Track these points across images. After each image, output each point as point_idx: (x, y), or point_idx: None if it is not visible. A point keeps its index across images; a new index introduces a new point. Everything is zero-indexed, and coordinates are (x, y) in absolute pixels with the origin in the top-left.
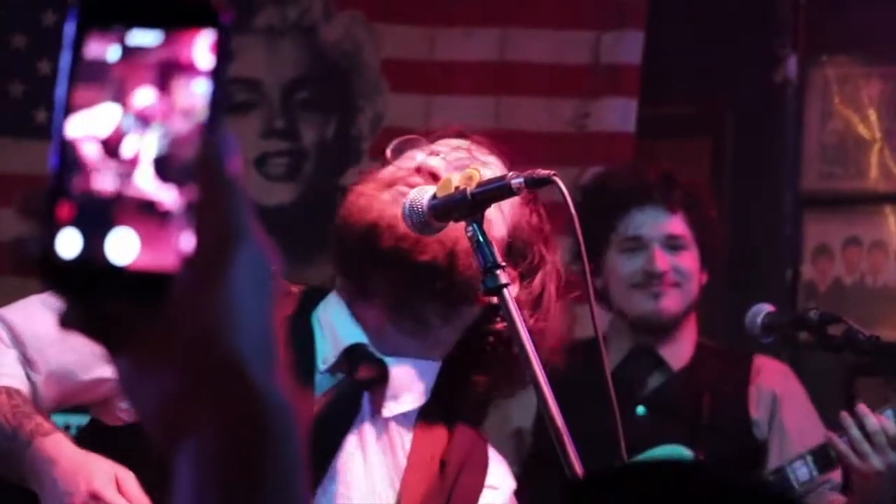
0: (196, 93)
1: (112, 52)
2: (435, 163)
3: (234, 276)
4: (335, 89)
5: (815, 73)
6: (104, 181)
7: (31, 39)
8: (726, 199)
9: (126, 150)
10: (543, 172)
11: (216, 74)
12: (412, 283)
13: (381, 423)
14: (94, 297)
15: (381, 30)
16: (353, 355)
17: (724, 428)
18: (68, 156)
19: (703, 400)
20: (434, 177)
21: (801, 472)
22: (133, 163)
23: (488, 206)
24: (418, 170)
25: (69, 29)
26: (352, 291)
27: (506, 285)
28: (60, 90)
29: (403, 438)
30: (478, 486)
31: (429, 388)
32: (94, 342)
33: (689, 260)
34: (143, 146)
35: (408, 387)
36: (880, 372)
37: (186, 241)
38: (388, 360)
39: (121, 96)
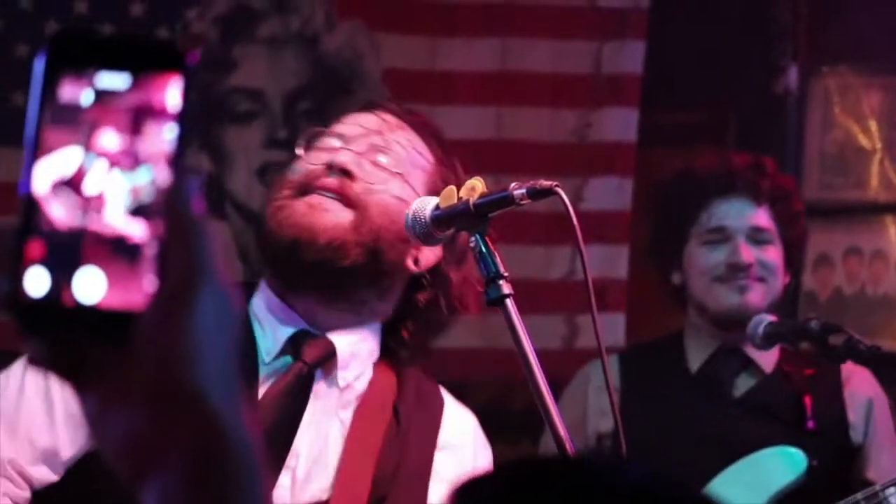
0: (164, 136)
1: (85, 96)
2: (345, 158)
3: (198, 315)
4: (337, 99)
5: (815, 84)
6: (73, 221)
7: (34, 49)
8: None
9: (95, 191)
10: (546, 183)
11: (182, 117)
12: (340, 285)
13: (338, 393)
14: (60, 336)
15: (382, 39)
16: (296, 341)
17: (824, 431)
18: (38, 196)
19: (804, 402)
20: (345, 172)
21: None
22: (101, 204)
23: (490, 216)
24: (329, 167)
25: (38, 67)
26: (283, 286)
27: (508, 295)
28: (29, 129)
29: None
30: (432, 422)
31: (375, 349)
32: (60, 379)
33: (774, 254)
34: (112, 188)
35: (356, 353)
36: (881, 382)
37: (152, 281)
38: (330, 335)
39: (91, 139)
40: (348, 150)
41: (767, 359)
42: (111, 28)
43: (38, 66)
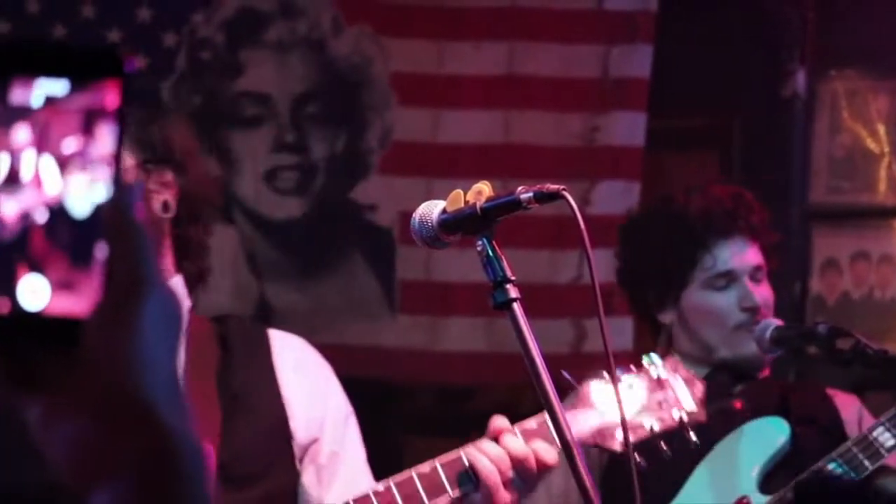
0: (105, 141)
1: (34, 98)
2: None
3: (142, 323)
4: (344, 103)
5: (823, 88)
6: (17, 226)
7: (70, 31)
8: None
9: (40, 195)
10: (553, 187)
11: (120, 122)
12: None
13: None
14: (5, 343)
15: (389, 44)
16: None
17: (814, 418)
18: None
19: (790, 398)
20: None
21: (885, 437)
22: (47, 208)
23: (497, 220)
24: None
25: None
26: None
27: (516, 299)
28: None
29: None
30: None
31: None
32: (6, 387)
33: (768, 290)
34: (57, 192)
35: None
36: (889, 386)
37: (97, 288)
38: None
39: (37, 141)
40: None
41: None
42: (118, 33)
43: None
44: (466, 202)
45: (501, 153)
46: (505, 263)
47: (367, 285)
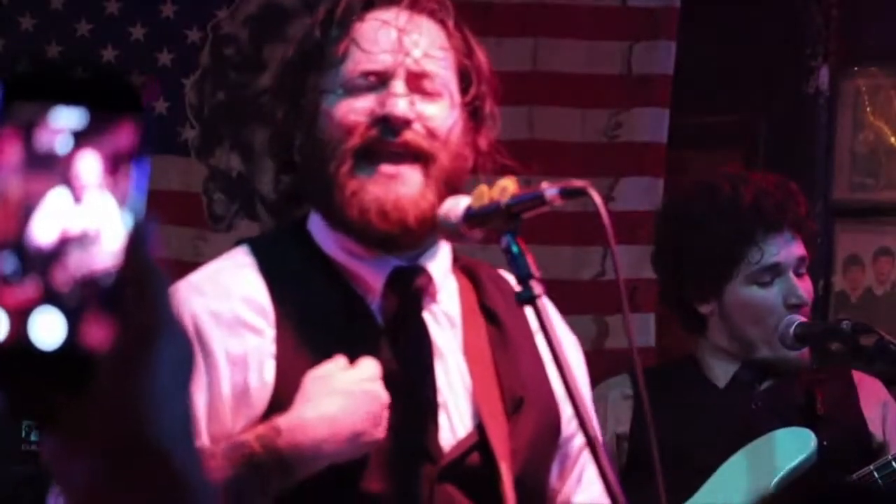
0: (124, 179)
1: (58, 141)
2: (400, 110)
3: (157, 363)
4: None
5: (846, 84)
6: (32, 263)
7: (96, 27)
8: None
9: (54, 233)
10: (577, 183)
11: (140, 160)
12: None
13: (442, 319)
14: (19, 380)
15: None
16: (395, 277)
17: (839, 420)
18: None
19: (816, 396)
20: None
21: None
22: (62, 247)
23: (522, 217)
24: (384, 120)
25: None
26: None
27: (539, 295)
28: None
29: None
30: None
31: (449, 261)
32: (24, 419)
33: (809, 283)
34: (71, 231)
35: (444, 273)
36: None
37: (111, 327)
38: (421, 262)
39: (56, 181)
40: (395, 95)
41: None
42: (143, 30)
43: None
44: (491, 198)
45: (526, 149)
46: (529, 260)
47: None
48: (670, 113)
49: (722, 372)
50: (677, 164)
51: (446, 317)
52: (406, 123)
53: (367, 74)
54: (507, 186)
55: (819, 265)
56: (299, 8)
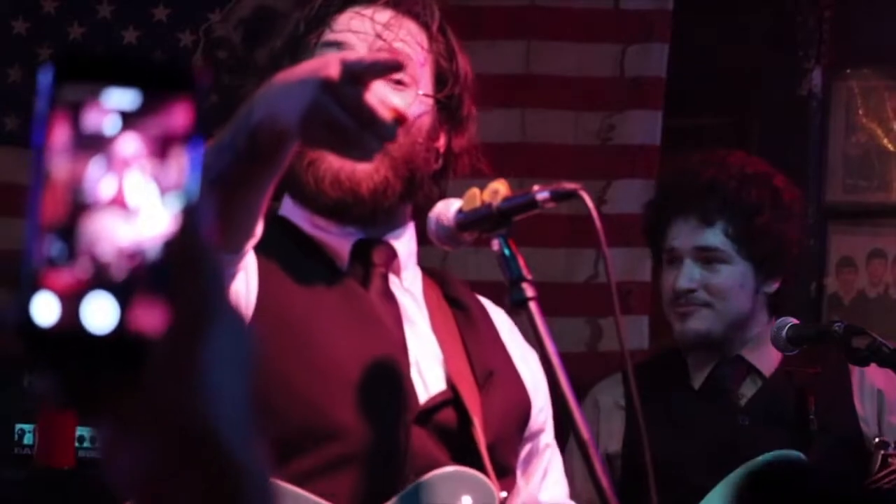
0: (179, 160)
1: (99, 117)
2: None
3: (212, 348)
4: None
5: (839, 86)
6: (83, 247)
7: (88, 31)
8: None
9: (102, 216)
10: (569, 186)
11: (194, 141)
12: (385, 213)
13: (405, 294)
14: (70, 364)
15: None
16: (359, 249)
17: (833, 430)
18: (47, 219)
19: (808, 403)
20: None
21: None
22: (111, 229)
23: (514, 219)
24: None
25: (44, 81)
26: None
27: (532, 298)
28: (38, 155)
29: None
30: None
31: (415, 249)
32: (72, 408)
33: (726, 275)
34: (120, 213)
35: (410, 253)
36: None
37: (163, 311)
38: (387, 239)
39: (107, 163)
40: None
41: (768, 363)
42: (135, 33)
43: (45, 79)
44: (483, 201)
45: (518, 152)
46: (521, 262)
47: None
48: (663, 115)
49: (697, 366)
50: (670, 167)
51: (411, 295)
52: None
53: (328, 45)
54: (499, 189)
55: (812, 267)
56: (292, 11)
